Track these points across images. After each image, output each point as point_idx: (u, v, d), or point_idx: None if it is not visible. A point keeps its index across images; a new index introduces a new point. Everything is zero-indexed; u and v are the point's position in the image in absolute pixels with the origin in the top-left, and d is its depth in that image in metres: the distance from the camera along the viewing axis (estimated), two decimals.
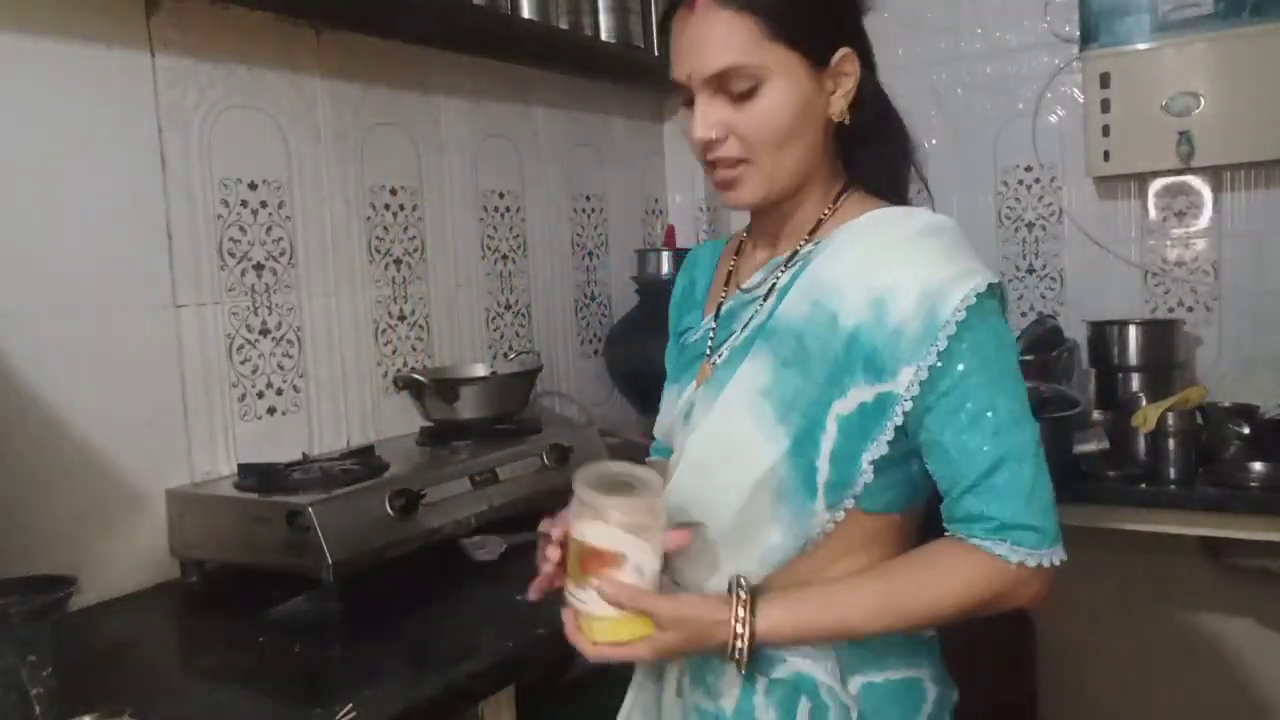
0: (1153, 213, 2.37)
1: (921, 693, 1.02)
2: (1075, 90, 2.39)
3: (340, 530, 1.39)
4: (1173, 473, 1.97)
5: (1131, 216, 2.40)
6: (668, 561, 0.96)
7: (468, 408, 1.84)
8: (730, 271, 1.16)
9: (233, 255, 1.70)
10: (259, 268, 1.74)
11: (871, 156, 1.07)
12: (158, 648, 1.42)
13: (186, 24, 1.62)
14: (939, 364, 0.93)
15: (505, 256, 2.29)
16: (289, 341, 1.79)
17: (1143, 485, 1.99)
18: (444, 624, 1.34)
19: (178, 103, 1.62)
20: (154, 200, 1.59)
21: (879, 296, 0.95)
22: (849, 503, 0.98)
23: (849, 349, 0.96)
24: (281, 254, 1.78)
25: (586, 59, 2.37)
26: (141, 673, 1.28)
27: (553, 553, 1.00)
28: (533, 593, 1.03)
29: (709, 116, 0.99)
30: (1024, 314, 2.49)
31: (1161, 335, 2.25)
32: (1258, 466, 1.97)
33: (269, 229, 1.76)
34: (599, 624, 0.93)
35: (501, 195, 2.28)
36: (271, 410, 1.76)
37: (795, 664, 0.98)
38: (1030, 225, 2.50)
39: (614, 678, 1.14)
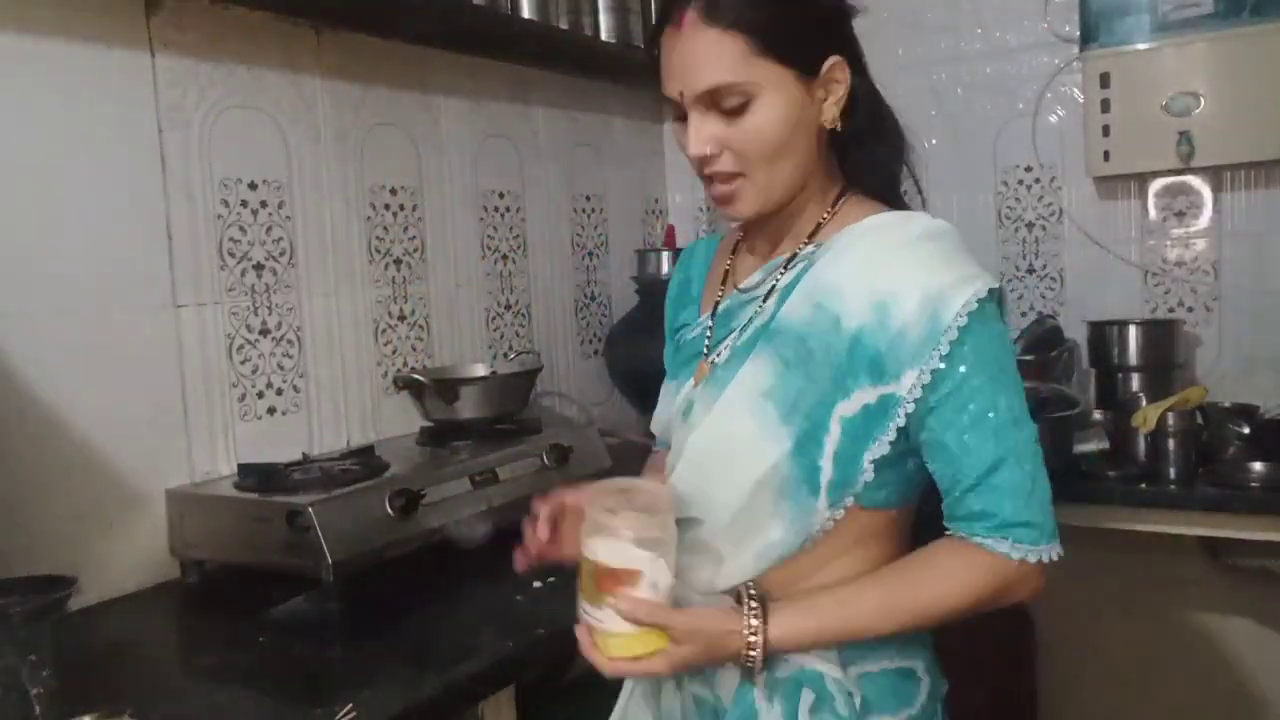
0: (1153, 213, 2.37)
1: (916, 682, 1.04)
2: (1075, 90, 2.38)
3: (340, 530, 1.40)
4: (1173, 473, 1.97)
5: (1131, 216, 2.40)
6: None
7: (468, 408, 1.84)
8: (727, 270, 1.17)
9: (233, 255, 1.70)
10: (259, 268, 1.74)
11: (867, 158, 1.08)
12: (158, 648, 1.42)
13: (186, 24, 1.62)
14: (942, 366, 0.94)
15: (505, 256, 2.29)
16: (289, 341, 1.79)
17: (1143, 485, 1.98)
18: (444, 624, 1.34)
19: (178, 103, 1.62)
20: (154, 200, 1.59)
21: (881, 300, 0.96)
22: (849, 500, 0.99)
23: (852, 351, 0.97)
24: (281, 254, 1.78)
25: (586, 59, 2.37)
26: (141, 673, 1.28)
27: (543, 530, 1.04)
28: (519, 563, 1.07)
29: (702, 133, 1.00)
30: (1024, 314, 2.49)
31: (1161, 335, 2.24)
32: (1258, 466, 1.97)
33: (269, 229, 1.76)
34: (615, 640, 0.94)
35: (501, 195, 2.28)
36: (271, 410, 1.76)
37: (798, 660, 0.99)
38: (1030, 225, 2.49)
39: (614, 679, 1.14)
